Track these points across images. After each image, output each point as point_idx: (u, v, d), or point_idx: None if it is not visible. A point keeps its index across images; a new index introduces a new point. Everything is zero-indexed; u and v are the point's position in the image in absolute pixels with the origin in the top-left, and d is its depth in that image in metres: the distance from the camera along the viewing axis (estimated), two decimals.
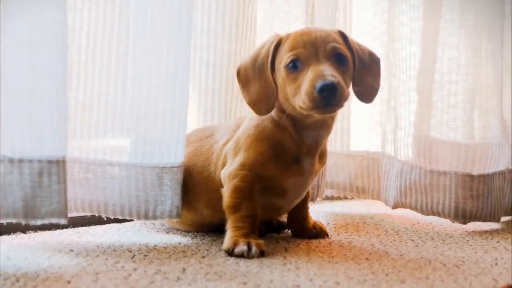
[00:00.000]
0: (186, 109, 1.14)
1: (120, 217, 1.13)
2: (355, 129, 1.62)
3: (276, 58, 1.05)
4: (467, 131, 1.41)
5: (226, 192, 1.08)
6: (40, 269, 0.91)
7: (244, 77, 1.08)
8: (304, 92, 0.98)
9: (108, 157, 1.12)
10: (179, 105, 1.12)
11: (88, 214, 1.13)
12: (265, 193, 1.09)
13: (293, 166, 1.08)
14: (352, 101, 1.58)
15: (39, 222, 0.96)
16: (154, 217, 1.12)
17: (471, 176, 1.36)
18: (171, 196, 1.12)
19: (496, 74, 1.43)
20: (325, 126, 1.09)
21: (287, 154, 1.08)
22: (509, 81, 1.56)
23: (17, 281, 0.84)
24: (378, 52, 1.52)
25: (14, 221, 0.95)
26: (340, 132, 1.57)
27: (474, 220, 1.37)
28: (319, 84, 0.96)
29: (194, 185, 1.15)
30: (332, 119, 1.10)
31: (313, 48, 1.01)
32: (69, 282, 0.84)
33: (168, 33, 1.10)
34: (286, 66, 1.02)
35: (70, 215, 1.22)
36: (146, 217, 1.12)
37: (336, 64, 1.02)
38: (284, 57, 1.03)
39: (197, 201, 1.16)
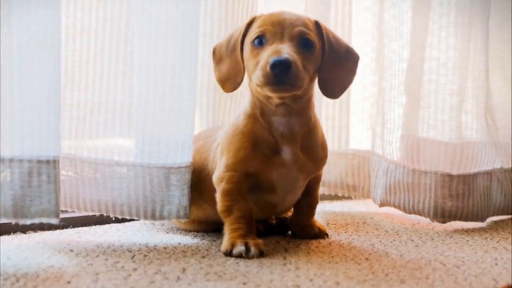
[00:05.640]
0: (194, 108, 1.13)
1: (128, 217, 1.14)
2: (351, 128, 1.61)
3: (247, 37, 1.07)
4: (454, 131, 1.41)
5: (217, 197, 1.08)
6: (40, 269, 0.91)
7: (218, 56, 1.11)
8: (259, 67, 0.99)
9: (116, 157, 1.12)
10: (186, 104, 1.12)
11: (97, 213, 1.14)
12: (255, 190, 1.09)
13: (272, 157, 1.07)
14: (351, 101, 1.60)
15: (28, 222, 0.95)
16: (162, 218, 1.13)
17: (450, 176, 1.36)
18: (178, 197, 1.12)
19: (481, 73, 1.43)
20: (294, 113, 1.07)
21: (263, 145, 1.07)
22: (509, 80, 1.56)
23: (17, 281, 0.84)
24: (375, 51, 1.53)
25: (3, 220, 0.96)
26: (331, 131, 1.57)
27: (454, 219, 1.36)
28: (272, 59, 0.97)
29: (198, 182, 1.15)
30: (302, 106, 1.08)
31: (280, 28, 1.03)
32: (69, 282, 0.84)
33: (173, 31, 1.10)
34: (252, 42, 1.04)
35: (71, 215, 1.24)
36: (153, 217, 1.12)
37: (301, 48, 1.02)
38: (252, 33, 1.05)
39: (200, 197, 1.15)
